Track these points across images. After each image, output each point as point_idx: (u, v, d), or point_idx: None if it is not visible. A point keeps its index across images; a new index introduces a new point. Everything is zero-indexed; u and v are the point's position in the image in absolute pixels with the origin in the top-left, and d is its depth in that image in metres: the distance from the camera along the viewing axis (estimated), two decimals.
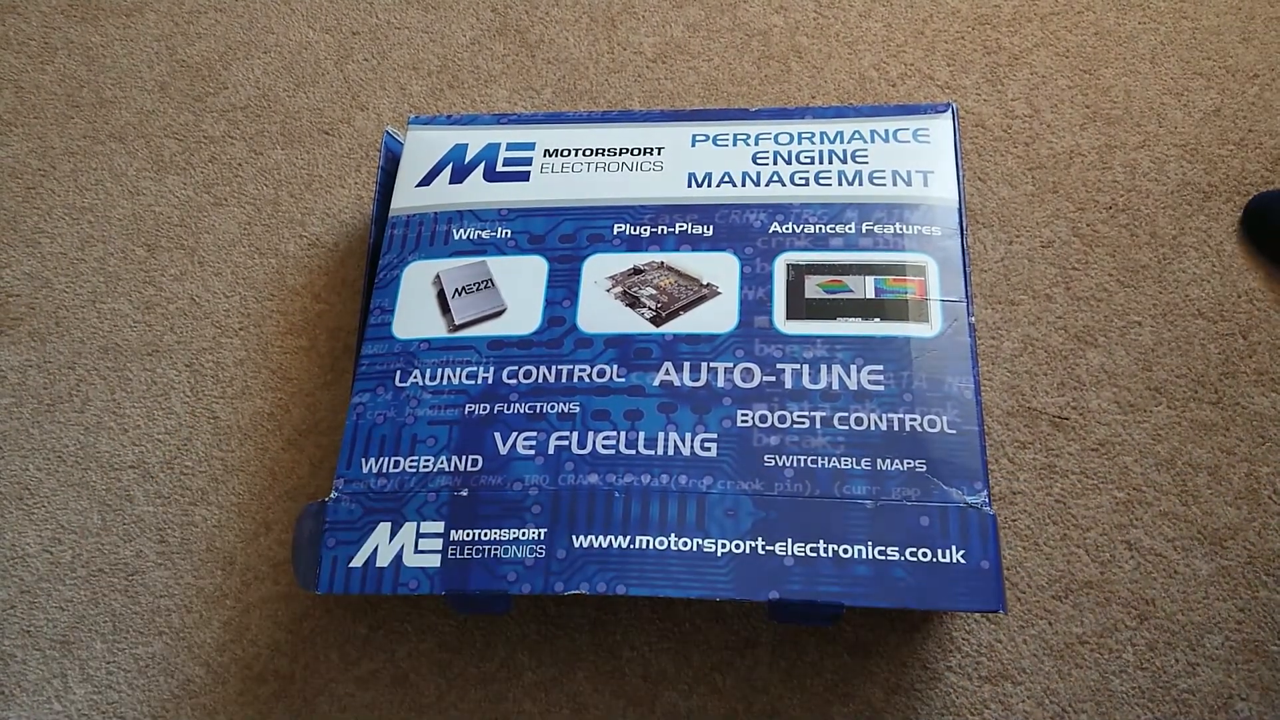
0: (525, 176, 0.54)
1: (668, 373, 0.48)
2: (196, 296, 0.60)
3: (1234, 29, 0.62)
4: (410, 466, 0.47)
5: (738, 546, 0.44)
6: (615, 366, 0.48)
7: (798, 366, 0.47)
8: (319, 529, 0.46)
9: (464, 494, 0.46)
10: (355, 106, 0.65)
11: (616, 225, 0.52)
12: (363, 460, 0.48)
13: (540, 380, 0.48)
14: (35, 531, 0.54)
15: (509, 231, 0.53)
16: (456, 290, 0.51)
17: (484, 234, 0.53)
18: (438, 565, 0.45)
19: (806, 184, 0.52)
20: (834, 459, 0.45)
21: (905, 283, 0.49)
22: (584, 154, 0.55)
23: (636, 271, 0.51)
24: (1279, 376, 0.52)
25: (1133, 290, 0.55)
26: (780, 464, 0.45)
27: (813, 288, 0.49)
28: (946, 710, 0.46)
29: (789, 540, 0.43)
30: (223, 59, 0.68)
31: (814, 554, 0.43)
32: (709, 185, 0.53)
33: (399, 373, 0.49)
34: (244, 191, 0.63)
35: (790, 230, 0.51)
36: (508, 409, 0.48)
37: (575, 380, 0.48)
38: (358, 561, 0.45)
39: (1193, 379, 0.52)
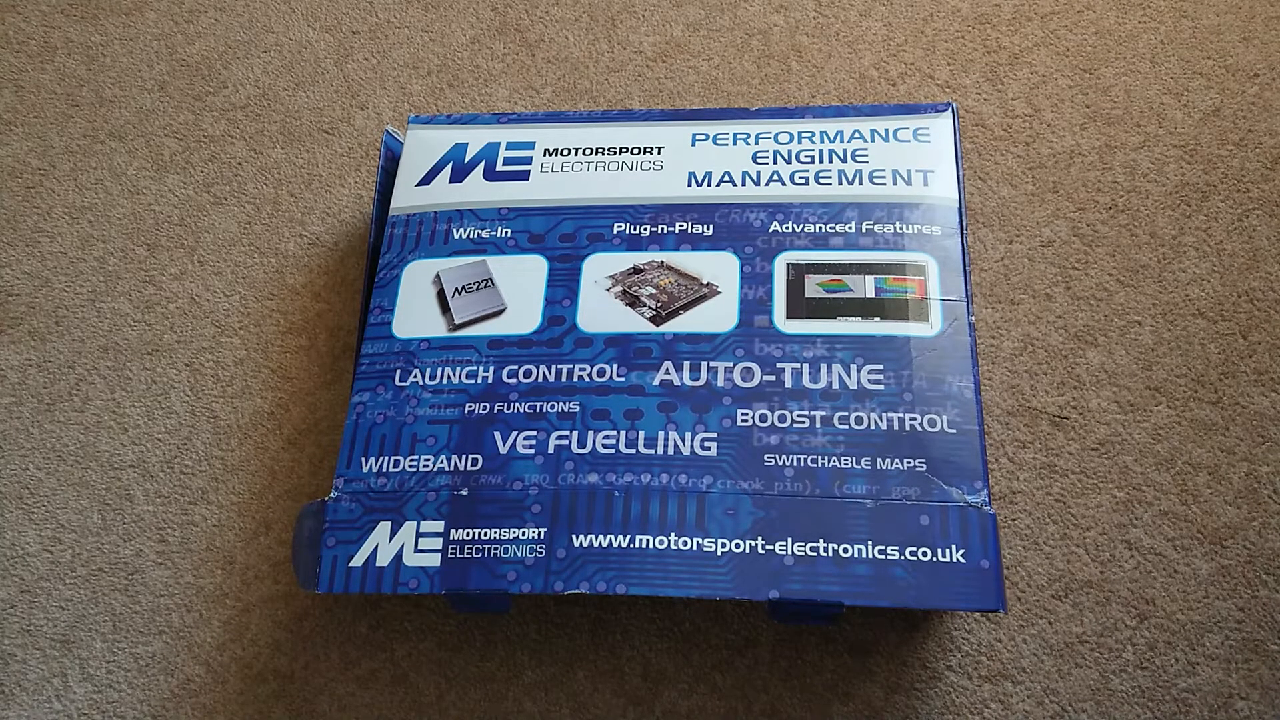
0: (525, 176, 0.54)
1: (668, 372, 0.48)
2: (196, 296, 0.60)
3: (1234, 29, 0.62)
4: (410, 466, 0.47)
5: (738, 546, 0.44)
6: (615, 366, 0.48)
7: (798, 366, 0.47)
8: (319, 528, 0.46)
9: (464, 493, 0.46)
10: (355, 106, 0.65)
11: (616, 224, 0.52)
12: (363, 459, 0.48)
13: (540, 379, 0.48)
14: (35, 531, 0.54)
15: (509, 231, 0.53)
16: (456, 289, 0.51)
17: (484, 233, 0.53)
18: (438, 565, 0.45)
19: (806, 183, 0.52)
20: (834, 458, 0.45)
21: (905, 282, 0.49)
22: (584, 153, 0.55)
23: (636, 271, 0.51)
24: (1279, 376, 0.52)
25: (1133, 290, 0.55)
26: (780, 463, 0.45)
27: (813, 287, 0.49)
28: (946, 709, 0.46)
29: (789, 539, 0.43)
30: (222, 58, 0.68)
31: (814, 553, 0.43)
32: (709, 184, 0.53)
33: (399, 372, 0.49)
34: (244, 190, 0.63)
35: (790, 229, 0.51)
36: (508, 408, 0.48)
37: (575, 379, 0.48)
38: (357, 561, 0.45)
39: (1193, 379, 0.52)
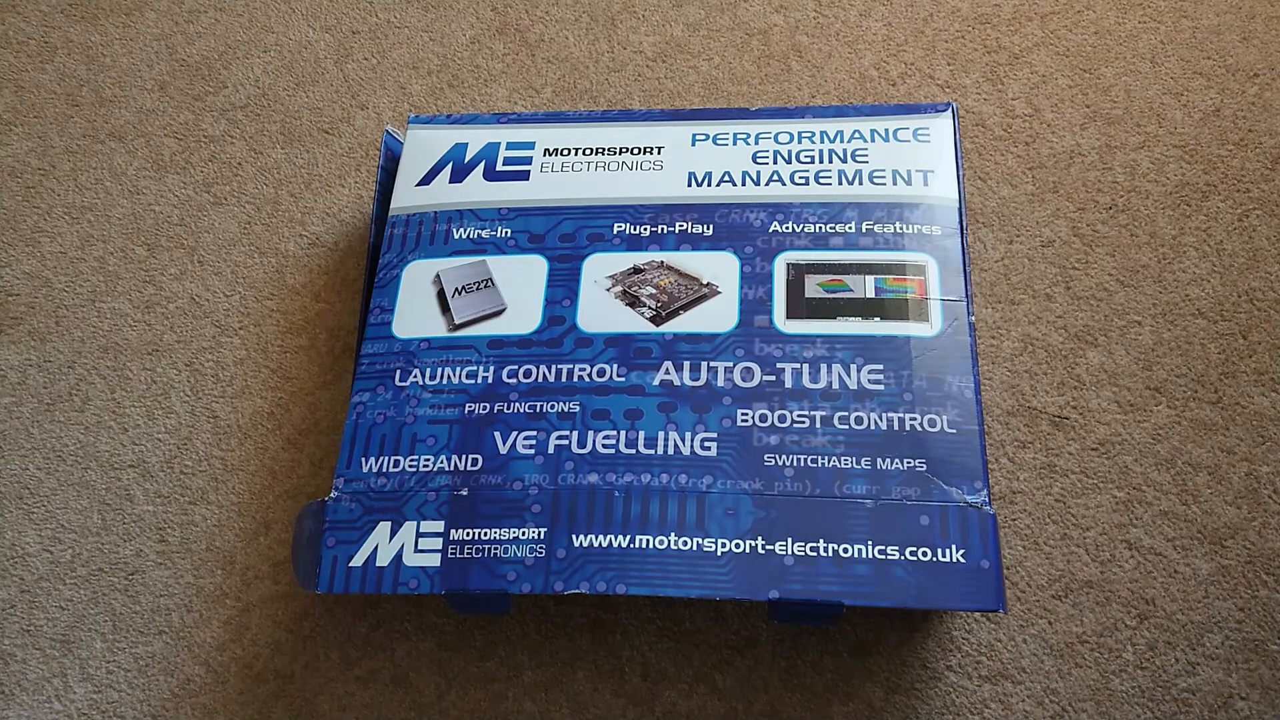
0: (525, 176, 0.54)
1: (668, 372, 0.48)
2: (196, 296, 0.60)
3: (1234, 29, 0.62)
4: (410, 466, 0.47)
5: (738, 546, 0.44)
6: (615, 366, 0.48)
7: (798, 366, 0.47)
8: (319, 528, 0.46)
9: (464, 493, 0.46)
10: (355, 106, 0.65)
11: (616, 224, 0.52)
12: (363, 459, 0.48)
13: (540, 379, 0.48)
14: (35, 531, 0.54)
15: (509, 231, 0.53)
16: (456, 289, 0.51)
17: (484, 233, 0.53)
18: (438, 565, 0.45)
19: (806, 183, 0.52)
20: (834, 458, 0.45)
21: (905, 282, 0.49)
22: (584, 153, 0.55)
23: (636, 271, 0.51)
24: (1279, 376, 0.52)
25: (1133, 290, 0.55)
26: (780, 463, 0.45)
27: (813, 287, 0.49)
28: (946, 710, 0.46)
29: (789, 539, 0.43)
30: (222, 58, 0.68)
31: (814, 553, 0.43)
32: (709, 184, 0.53)
33: (399, 372, 0.49)
34: (244, 191, 0.63)
35: (790, 229, 0.51)
36: (508, 408, 0.48)
37: (575, 379, 0.48)
38: (357, 561, 0.45)
39: (1193, 379, 0.52)
